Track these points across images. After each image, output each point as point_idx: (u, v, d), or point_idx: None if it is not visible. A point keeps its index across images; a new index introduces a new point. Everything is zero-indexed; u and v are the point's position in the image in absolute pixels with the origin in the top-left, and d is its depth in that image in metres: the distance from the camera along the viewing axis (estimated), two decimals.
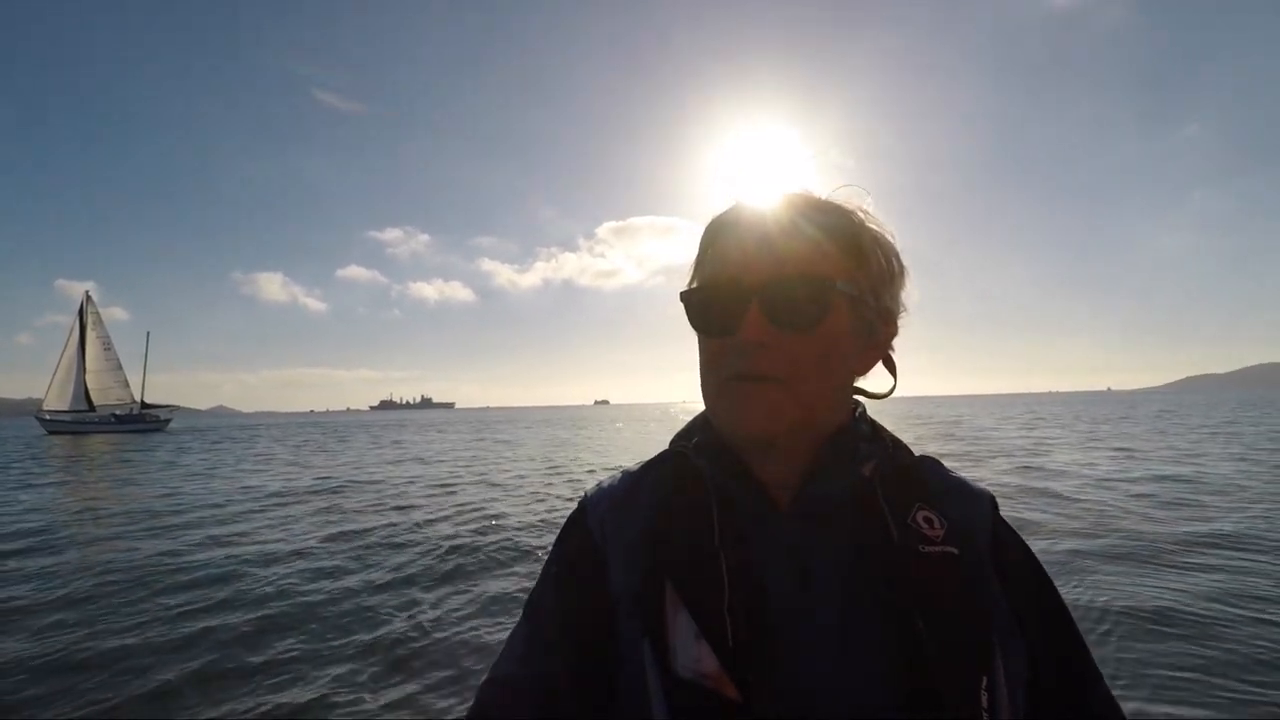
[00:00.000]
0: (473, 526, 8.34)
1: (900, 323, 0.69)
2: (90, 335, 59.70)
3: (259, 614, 5.09)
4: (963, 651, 0.56)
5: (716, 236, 0.67)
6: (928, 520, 0.63)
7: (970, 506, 0.67)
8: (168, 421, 60.37)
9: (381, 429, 51.26)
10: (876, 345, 0.68)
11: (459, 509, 9.75)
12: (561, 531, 0.74)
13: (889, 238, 0.67)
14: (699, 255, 0.69)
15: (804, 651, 0.58)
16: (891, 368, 0.71)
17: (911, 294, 0.70)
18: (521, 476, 14.14)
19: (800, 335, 0.60)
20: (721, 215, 0.67)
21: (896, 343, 0.70)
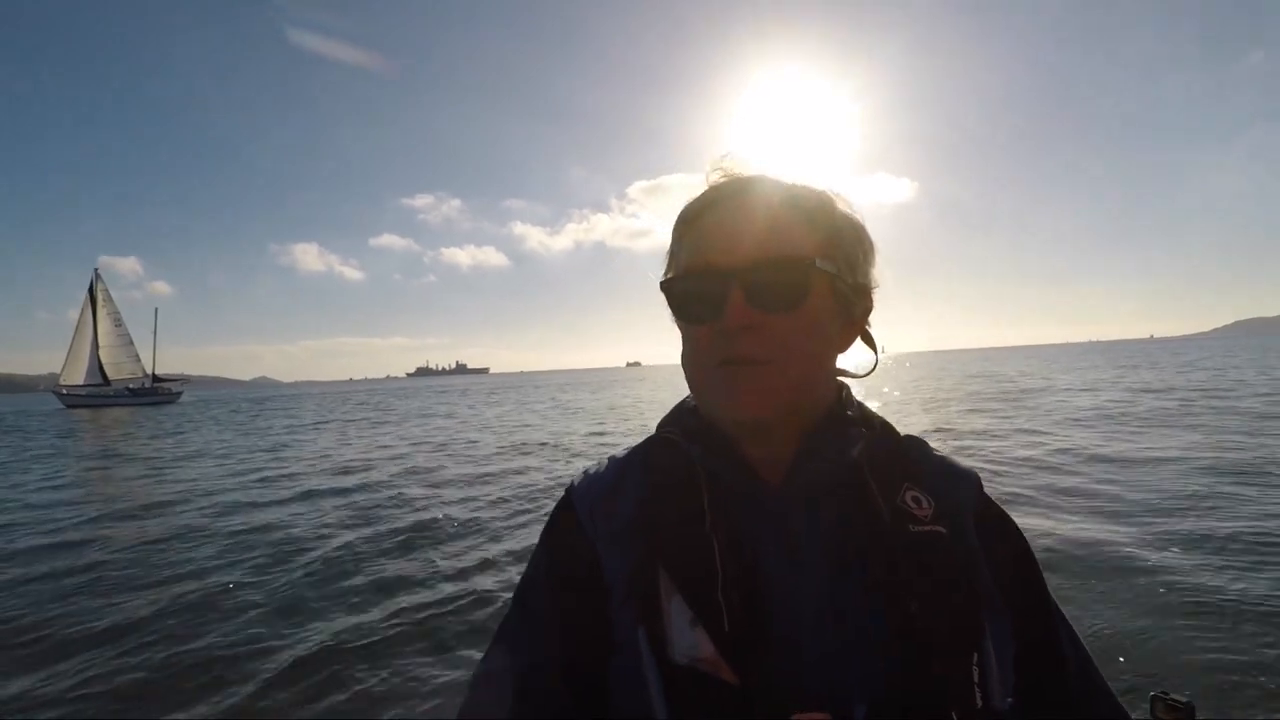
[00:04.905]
0: None
1: (876, 297, 0.70)
2: (101, 312, 60.85)
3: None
4: (953, 628, 0.57)
5: (690, 224, 0.67)
6: (915, 500, 0.64)
7: (956, 486, 0.69)
8: (179, 394, 61.46)
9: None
10: (853, 322, 0.68)
11: None
12: (549, 520, 0.72)
13: (857, 215, 0.68)
14: (673, 245, 0.69)
15: (798, 632, 0.59)
16: (871, 343, 0.71)
17: (884, 273, 0.70)
18: None
19: (784, 316, 0.61)
20: (692, 203, 0.67)
21: (874, 318, 0.71)
